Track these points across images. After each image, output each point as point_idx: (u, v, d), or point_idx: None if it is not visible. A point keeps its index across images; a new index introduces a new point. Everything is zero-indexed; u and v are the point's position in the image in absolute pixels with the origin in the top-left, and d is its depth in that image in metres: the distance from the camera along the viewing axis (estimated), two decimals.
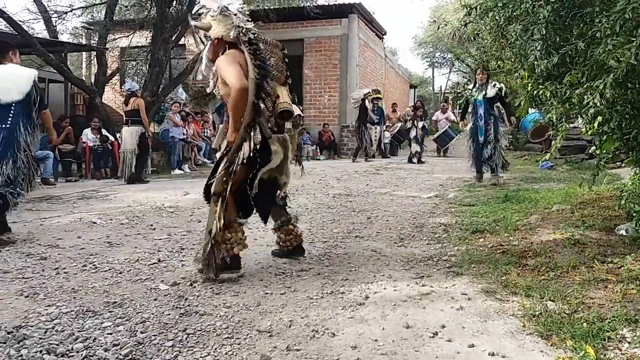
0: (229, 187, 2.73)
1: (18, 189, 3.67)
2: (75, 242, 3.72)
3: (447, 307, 2.44)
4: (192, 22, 2.92)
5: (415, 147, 11.24)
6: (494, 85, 6.73)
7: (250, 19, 2.83)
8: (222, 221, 2.71)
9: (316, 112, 13.67)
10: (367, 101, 11.58)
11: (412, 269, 3.08)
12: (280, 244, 3.28)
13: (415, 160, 11.13)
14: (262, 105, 2.76)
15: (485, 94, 6.67)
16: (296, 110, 2.89)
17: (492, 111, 6.71)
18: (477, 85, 6.85)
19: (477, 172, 7.09)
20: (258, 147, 2.79)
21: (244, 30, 2.76)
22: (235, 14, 2.76)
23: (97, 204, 5.24)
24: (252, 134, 2.73)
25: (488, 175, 7.04)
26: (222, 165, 2.77)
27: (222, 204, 2.72)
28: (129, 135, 7.65)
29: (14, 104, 3.63)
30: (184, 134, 10.14)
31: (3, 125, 3.60)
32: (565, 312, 2.27)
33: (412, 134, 11.42)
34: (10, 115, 3.62)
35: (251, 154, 2.76)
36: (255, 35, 2.79)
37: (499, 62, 4.25)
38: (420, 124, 11.50)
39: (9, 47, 4.12)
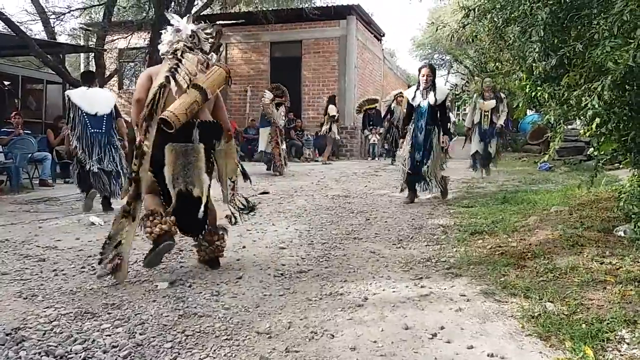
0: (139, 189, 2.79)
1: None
2: (74, 244, 3.71)
3: (446, 308, 2.44)
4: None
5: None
6: (448, 88, 5.48)
7: (195, 39, 3.00)
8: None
9: (314, 114, 13.67)
10: (395, 102, 11.34)
11: (411, 271, 3.08)
12: (199, 251, 3.14)
13: None
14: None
15: (436, 100, 5.25)
16: (173, 120, 2.72)
17: (435, 122, 5.38)
18: (420, 88, 5.38)
19: (408, 189, 5.64)
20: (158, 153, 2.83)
21: (173, 48, 2.96)
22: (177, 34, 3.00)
23: (96, 205, 5.23)
24: (148, 141, 2.76)
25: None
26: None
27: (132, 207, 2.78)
28: None
29: (105, 116, 5.17)
30: None
31: (99, 130, 5.11)
32: (564, 313, 2.27)
33: None
34: (104, 122, 5.15)
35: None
36: (181, 52, 2.93)
37: (497, 64, 4.26)
38: None
39: (94, 75, 6.25)
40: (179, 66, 2.86)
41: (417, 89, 5.42)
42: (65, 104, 5.64)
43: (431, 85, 5.30)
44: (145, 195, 2.88)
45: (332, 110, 11.46)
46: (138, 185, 2.78)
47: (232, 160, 3.12)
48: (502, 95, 7.83)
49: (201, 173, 2.88)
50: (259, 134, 9.23)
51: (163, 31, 3.09)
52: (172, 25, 3.03)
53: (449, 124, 5.75)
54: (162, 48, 3.03)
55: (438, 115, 5.39)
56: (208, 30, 3.06)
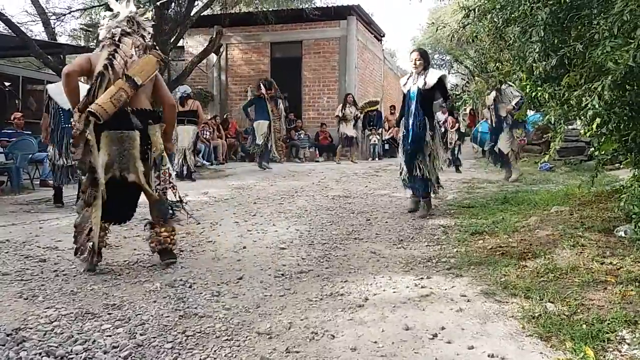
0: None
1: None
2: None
3: (446, 308, 2.44)
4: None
5: (446, 155, 8.87)
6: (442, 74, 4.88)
7: (135, 25, 3.07)
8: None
9: (315, 114, 13.66)
10: None
11: (412, 271, 3.08)
12: (150, 243, 3.21)
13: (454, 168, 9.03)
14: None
15: (425, 84, 4.67)
16: (99, 111, 2.81)
17: (429, 109, 4.78)
18: (412, 73, 4.89)
19: (411, 194, 5.11)
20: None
21: (111, 33, 3.03)
22: (113, 21, 3.07)
23: None
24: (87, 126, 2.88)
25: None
26: None
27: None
28: (185, 134, 7.98)
29: None
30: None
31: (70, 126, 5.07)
32: (564, 313, 2.27)
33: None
34: None
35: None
36: (119, 38, 3.01)
37: (497, 64, 4.26)
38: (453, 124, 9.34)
39: None
40: (116, 51, 2.94)
41: (410, 75, 4.97)
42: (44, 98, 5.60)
43: (423, 70, 4.77)
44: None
45: (337, 110, 11.53)
46: (92, 172, 2.90)
47: (160, 144, 3.11)
48: (503, 86, 7.00)
49: (136, 160, 2.96)
50: (254, 127, 9.29)
51: (101, 16, 3.16)
52: (111, 10, 3.09)
53: (443, 100, 4.95)
54: (101, 33, 3.07)
55: (430, 101, 4.79)
56: (147, 15, 3.15)
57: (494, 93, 7.20)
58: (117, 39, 2.98)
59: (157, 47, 3.30)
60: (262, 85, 9.29)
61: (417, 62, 4.78)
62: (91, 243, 2.91)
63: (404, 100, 5.00)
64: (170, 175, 3.19)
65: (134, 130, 2.95)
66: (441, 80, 4.70)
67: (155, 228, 3.15)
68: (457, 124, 9.50)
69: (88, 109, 2.83)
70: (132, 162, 2.95)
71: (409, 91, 4.85)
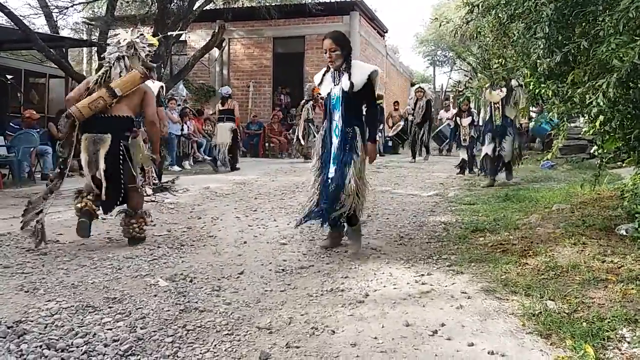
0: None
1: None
2: (76, 238, 3.71)
3: (446, 305, 2.44)
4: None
5: (463, 154, 8.24)
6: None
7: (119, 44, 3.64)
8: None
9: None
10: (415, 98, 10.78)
11: (412, 267, 3.08)
12: (122, 230, 3.64)
13: (468, 169, 8.23)
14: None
15: (352, 85, 3.28)
16: (75, 113, 3.36)
17: (359, 118, 3.41)
18: (329, 69, 3.45)
19: (330, 228, 3.57)
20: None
21: (111, 56, 3.62)
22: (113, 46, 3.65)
23: None
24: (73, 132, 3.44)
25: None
26: None
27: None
28: (224, 131, 8.79)
29: None
30: (182, 130, 10.09)
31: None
32: (565, 311, 2.27)
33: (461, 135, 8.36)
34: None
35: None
36: (115, 60, 3.58)
37: (500, 61, 4.24)
38: (467, 120, 8.26)
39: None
40: (106, 72, 3.52)
41: (327, 71, 3.49)
42: None
43: (343, 65, 3.34)
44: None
45: None
46: (65, 167, 3.47)
47: (141, 150, 3.58)
48: (515, 84, 6.08)
49: (99, 158, 3.36)
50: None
51: (109, 40, 3.87)
52: (119, 35, 3.71)
53: (376, 121, 3.75)
54: (106, 55, 3.65)
55: (360, 108, 3.41)
56: (147, 39, 3.72)
57: (503, 91, 6.29)
58: (112, 62, 3.55)
59: (153, 68, 4.07)
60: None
61: (333, 54, 3.33)
62: (39, 225, 3.34)
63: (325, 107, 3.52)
64: (151, 177, 3.69)
65: (107, 133, 3.39)
66: (371, 79, 3.33)
67: (127, 218, 3.56)
68: (469, 117, 8.24)
69: (67, 111, 3.39)
70: (97, 160, 3.37)
71: (329, 95, 3.43)
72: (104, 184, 3.37)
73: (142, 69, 3.59)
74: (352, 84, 3.29)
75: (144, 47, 3.66)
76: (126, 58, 3.55)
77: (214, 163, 9.04)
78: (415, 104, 10.74)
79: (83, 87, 3.57)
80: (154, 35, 4.35)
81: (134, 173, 3.50)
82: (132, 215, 3.55)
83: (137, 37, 3.66)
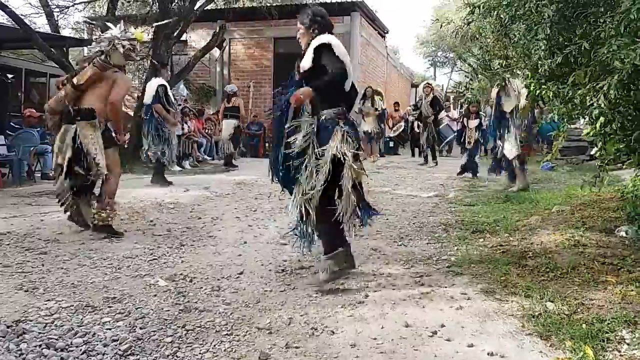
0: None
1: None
2: (75, 237, 3.72)
3: (446, 306, 2.44)
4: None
5: (464, 157, 8.10)
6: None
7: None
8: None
9: None
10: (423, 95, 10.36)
11: (412, 268, 3.08)
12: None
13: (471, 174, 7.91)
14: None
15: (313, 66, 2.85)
16: (46, 107, 3.87)
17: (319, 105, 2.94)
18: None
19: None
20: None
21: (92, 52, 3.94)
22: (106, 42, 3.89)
23: None
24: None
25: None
26: None
27: None
28: (228, 127, 9.07)
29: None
30: (182, 130, 10.08)
31: (146, 117, 6.48)
32: (564, 313, 2.26)
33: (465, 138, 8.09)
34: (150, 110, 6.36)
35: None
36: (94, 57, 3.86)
37: (501, 61, 4.23)
38: (474, 123, 7.96)
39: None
40: (83, 68, 3.80)
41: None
42: None
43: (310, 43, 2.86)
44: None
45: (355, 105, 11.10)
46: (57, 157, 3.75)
47: (86, 135, 3.73)
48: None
49: (67, 147, 3.65)
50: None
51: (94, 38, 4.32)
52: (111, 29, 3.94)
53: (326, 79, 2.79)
54: (86, 51, 4.12)
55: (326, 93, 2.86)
56: (129, 35, 3.88)
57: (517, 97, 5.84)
58: (92, 57, 3.83)
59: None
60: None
61: (299, 32, 2.96)
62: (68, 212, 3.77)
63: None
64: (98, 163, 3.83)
65: (72, 124, 3.69)
66: (319, 51, 2.77)
67: (98, 204, 3.80)
68: (477, 120, 7.95)
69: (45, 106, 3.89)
70: (65, 148, 3.66)
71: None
72: (64, 170, 3.65)
73: (101, 61, 3.75)
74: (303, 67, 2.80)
75: (123, 41, 3.86)
76: (106, 53, 3.79)
77: (226, 163, 9.13)
78: (422, 100, 10.47)
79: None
80: (154, 35, 4.51)
81: (92, 159, 3.64)
82: (99, 200, 3.81)
83: (119, 33, 3.88)
